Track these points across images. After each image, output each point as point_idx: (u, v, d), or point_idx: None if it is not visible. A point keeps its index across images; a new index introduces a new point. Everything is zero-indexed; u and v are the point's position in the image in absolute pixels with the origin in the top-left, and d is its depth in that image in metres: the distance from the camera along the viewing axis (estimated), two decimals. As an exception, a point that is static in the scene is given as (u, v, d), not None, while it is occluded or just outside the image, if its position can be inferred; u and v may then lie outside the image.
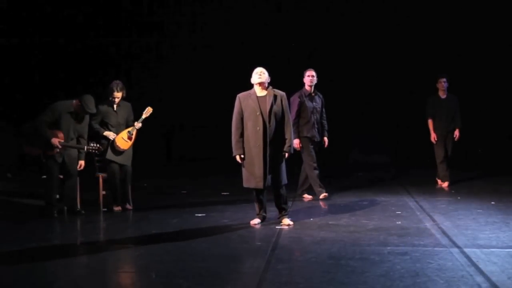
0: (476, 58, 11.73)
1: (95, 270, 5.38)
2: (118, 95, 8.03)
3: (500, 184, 9.95)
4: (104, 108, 8.06)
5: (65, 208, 7.95)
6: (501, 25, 11.63)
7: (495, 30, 11.68)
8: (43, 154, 7.77)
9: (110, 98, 8.05)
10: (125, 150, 8.07)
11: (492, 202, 8.30)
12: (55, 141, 7.67)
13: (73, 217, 7.83)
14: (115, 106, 8.10)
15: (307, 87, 8.73)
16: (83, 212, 7.95)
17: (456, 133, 9.75)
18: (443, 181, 9.82)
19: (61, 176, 7.91)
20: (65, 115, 7.76)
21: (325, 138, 8.91)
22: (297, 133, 8.57)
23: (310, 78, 8.69)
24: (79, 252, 6.05)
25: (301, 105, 8.62)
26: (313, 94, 8.75)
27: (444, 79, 9.77)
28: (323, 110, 8.88)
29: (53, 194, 7.83)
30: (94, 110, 7.80)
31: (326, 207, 8.28)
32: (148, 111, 8.16)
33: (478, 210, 7.79)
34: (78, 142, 7.90)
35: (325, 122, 8.90)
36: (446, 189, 9.62)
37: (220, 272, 5.18)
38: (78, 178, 7.97)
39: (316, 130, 8.72)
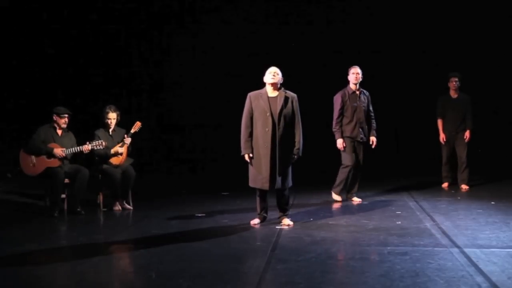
0: (488, 56, 11.54)
1: (95, 270, 5.37)
2: (112, 115, 8.26)
3: (500, 184, 9.95)
4: (100, 132, 8.27)
5: (65, 208, 7.97)
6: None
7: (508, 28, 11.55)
8: (47, 169, 7.89)
9: (106, 121, 8.26)
10: (118, 165, 8.19)
11: (492, 202, 8.30)
12: (57, 151, 7.82)
13: (73, 217, 7.83)
14: (110, 130, 8.30)
15: (351, 85, 8.42)
16: (83, 212, 7.97)
17: (467, 134, 9.47)
18: (444, 181, 9.70)
19: (67, 180, 8.02)
20: (49, 134, 8.00)
21: (373, 138, 8.54)
22: (340, 132, 8.39)
23: (355, 75, 8.37)
24: (79, 252, 6.04)
25: (344, 104, 8.38)
26: (357, 92, 8.42)
27: (456, 78, 9.51)
28: (370, 108, 8.56)
29: (58, 194, 7.87)
30: (63, 111, 8.01)
31: (326, 207, 8.27)
32: (136, 126, 8.28)
33: (478, 210, 7.78)
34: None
35: (373, 121, 8.57)
36: (446, 189, 9.58)
37: (220, 272, 5.18)
38: (86, 180, 8.03)
39: (361, 129, 8.42)
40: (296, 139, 6.95)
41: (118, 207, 8.18)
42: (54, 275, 5.31)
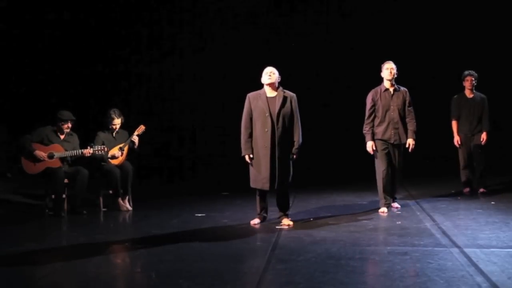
0: (502, 54, 11.43)
1: (95, 270, 5.37)
2: (117, 121, 8.33)
3: (500, 184, 9.94)
4: (104, 134, 8.34)
5: (66, 208, 7.98)
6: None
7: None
8: (47, 168, 7.92)
9: (110, 126, 8.31)
10: (116, 165, 8.22)
11: (492, 202, 8.30)
12: (38, 153, 7.83)
13: (73, 217, 7.84)
14: (114, 133, 8.35)
15: (385, 82, 7.77)
16: (85, 212, 7.98)
17: (483, 136, 8.94)
18: (464, 187, 9.18)
19: (67, 181, 8.03)
20: (50, 135, 8.03)
21: (410, 141, 7.77)
22: (371, 135, 7.77)
23: (389, 71, 7.70)
24: (79, 252, 6.04)
25: (375, 103, 7.75)
26: (391, 90, 7.76)
27: (472, 77, 8.97)
28: (409, 107, 7.80)
29: (61, 194, 7.89)
30: (65, 117, 8.03)
31: (326, 207, 8.27)
32: (140, 129, 8.31)
33: (478, 210, 7.78)
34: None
35: (411, 121, 7.79)
36: (468, 194, 9.05)
37: (220, 272, 5.18)
38: (86, 180, 8.05)
39: (395, 131, 7.73)
40: (295, 139, 6.94)
41: (124, 207, 8.19)
42: (54, 275, 5.30)
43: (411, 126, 7.83)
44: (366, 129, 7.84)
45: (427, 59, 11.69)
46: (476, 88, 9.15)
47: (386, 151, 7.80)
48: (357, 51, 11.77)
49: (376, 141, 7.80)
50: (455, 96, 9.21)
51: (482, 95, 9.16)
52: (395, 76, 7.78)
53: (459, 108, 9.12)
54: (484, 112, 9.08)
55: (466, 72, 9.11)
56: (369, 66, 8.62)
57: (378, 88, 7.86)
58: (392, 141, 7.79)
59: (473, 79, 9.04)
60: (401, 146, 7.85)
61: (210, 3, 12.20)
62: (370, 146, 7.78)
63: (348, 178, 10.64)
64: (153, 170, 11.59)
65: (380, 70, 7.87)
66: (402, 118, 7.80)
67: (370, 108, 7.81)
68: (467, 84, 9.08)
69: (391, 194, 8.00)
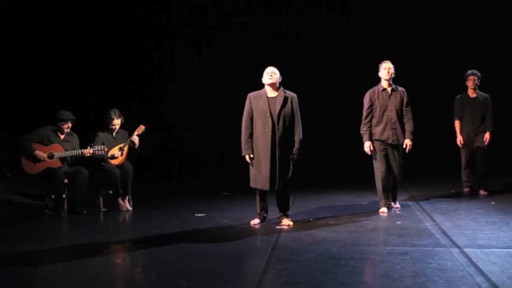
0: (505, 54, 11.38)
1: (95, 271, 5.38)
2: (117, 122, 8.35)
3: (500, 184, 9.94)
4: (104, 135, 8.36)
5: (66, 207, 7.98)
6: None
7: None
8: (47, 168, 7.92)
9: (110, 126, 8.33)
10: (116, 164, 8.23)
11: (492, 202, 8.30)
12: (38, 153, 7.84)
13: (73, 217, 7.84)
14: (114, 133, 8.37)
15: (383, 82, 7.71)
16: (85, 212, 7.98)
17: (487, 136, 8.88)
18: (464, 186, 9.18)
19: (67, 181, 8.03)
20: (50, 135, 8.04)
21: (407, 141, 7.70)
22: (368, 135, 7.73)
23: (387, 70, 7.64)
24: (79, 252, 6.04)
25: (372, 103, 7.70)
26: (388, 89, 7.71)
27: (475, 77, 8.90)
28: (406, 107, 7.74)
29: (61, 194, 7.89)
30: (65, 117, 8.03)
31: (326, 207, 8.27)
32: (140, 129, 8.32)
33: (478, 210, 7.78)
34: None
35: (409, 121, 7.73)
36: (468, 194, 9.06)
37: (220, 272, 5.18)
38: (86, 180, 8.05)
39: (392, 131, 7.67)
40: (296, 139, 6.94)
41: (124, 207, 8.19)
42: (54, 275, 5.30)
43: (409, 126, 7.77)
44: (363, 129, 7.80)
45: (428, 59, 11.67)
46: (479, 87, 9.10)
47: (384, 152, 7.75)
48: (355, 51, 11.76)
49: (374, 141, 7.76)
50: (458, 96, 9.17)
51: (486, 95, 9.11)
52: (393, 76, 7.73)
53: (462, 108, 9.07)
54: (488, 112, 9.02)
55: (469, 72, 9.05)
56: (367, 66, 8.62)
57: (375, 88, 7.80)
58: (390, 142, 7.74)
59: (476, 78, 8.98)
60: (400, 146, 7.81)
61: (211, 3, 12.20)
62: (367, 146, 7.75)
63: (348, 178, 10.63)
64: (152, 171, 11.60)
65: (378, 70, 7.84)
66: (400, 118, 7.75)
67: (368, 108, 7.76)
68: (470, 83, 9.03)
69: (392, 197, 7.99)
